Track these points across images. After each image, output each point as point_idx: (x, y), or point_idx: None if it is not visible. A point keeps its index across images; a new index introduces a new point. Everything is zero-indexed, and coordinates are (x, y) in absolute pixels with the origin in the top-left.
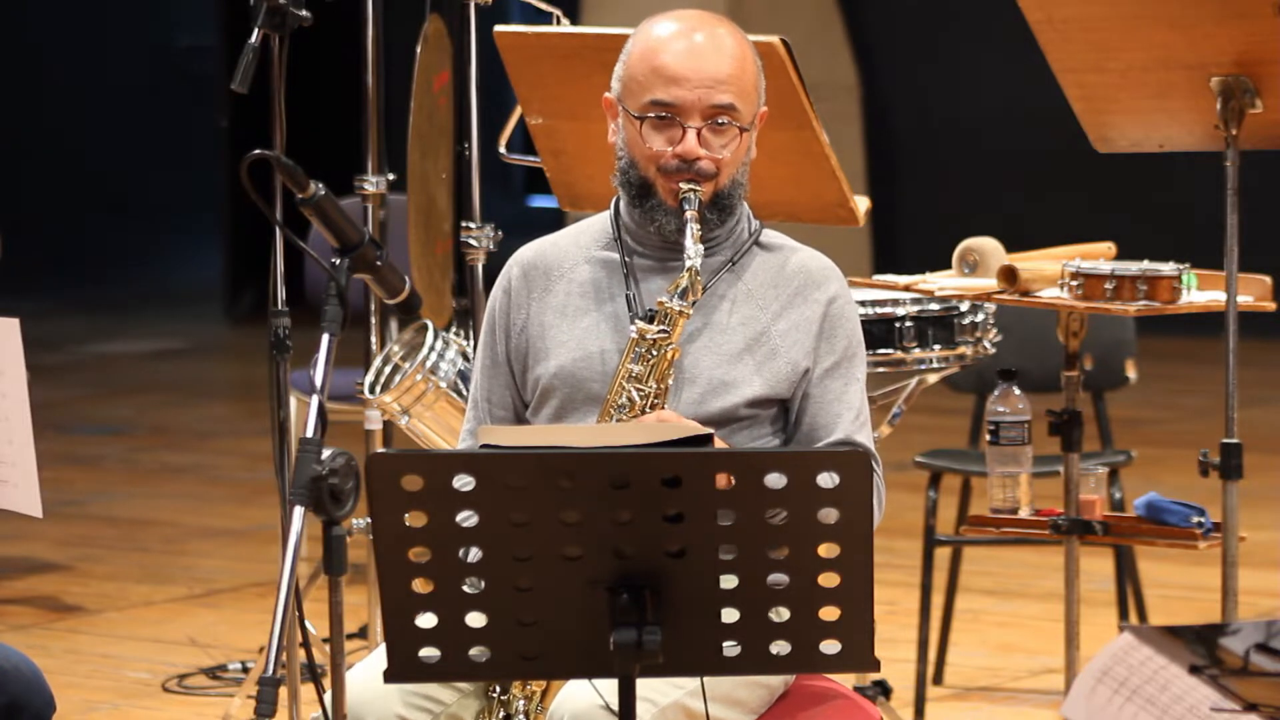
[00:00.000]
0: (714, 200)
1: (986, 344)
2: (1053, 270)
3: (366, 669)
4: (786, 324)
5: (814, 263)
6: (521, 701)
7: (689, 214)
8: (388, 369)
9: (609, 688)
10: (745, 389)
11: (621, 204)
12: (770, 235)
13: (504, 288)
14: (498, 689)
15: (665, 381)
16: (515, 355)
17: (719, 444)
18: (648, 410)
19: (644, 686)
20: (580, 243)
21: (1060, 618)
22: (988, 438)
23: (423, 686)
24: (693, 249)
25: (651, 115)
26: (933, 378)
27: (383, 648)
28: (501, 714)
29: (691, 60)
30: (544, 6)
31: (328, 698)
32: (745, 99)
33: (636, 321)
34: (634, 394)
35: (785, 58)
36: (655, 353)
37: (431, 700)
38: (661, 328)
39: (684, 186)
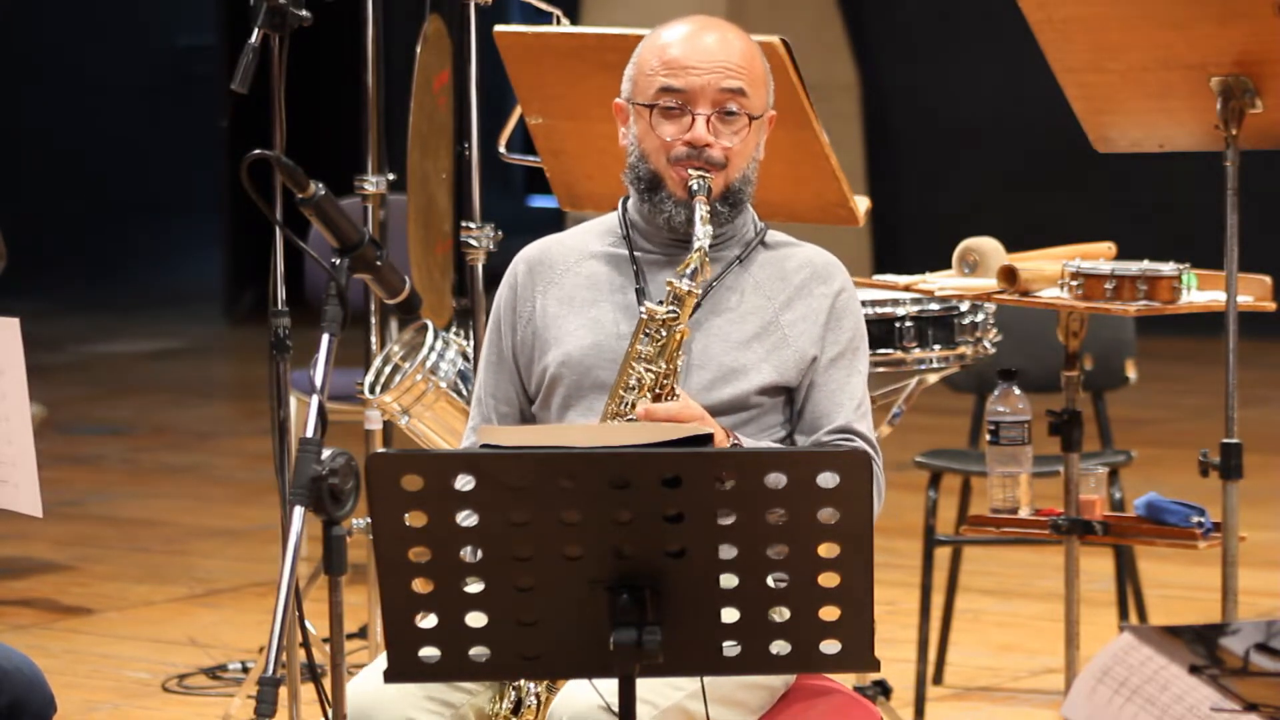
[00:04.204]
0: (724, 195)
1: (986, 344)
2: (1053, 270)
3: (374, 672)
4: (794, 315)
5: (819, 258)
6: (532, 685)
7: (698, 197)
8: (388, 369)
9: (609, 688)
10: (755, 376)
11: (630, 201)
12: (774, 235)
13: (510, 284)
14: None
15: (675, 361)
16: (521, 348)
17: (720, 442)
18: (658, 390)
19: (644, 688)
20: (586, 240)
21: (1060, 618)
22: (988, 438)
23: (433, 688)
24: (701, 230)
25: (661, 103)
26: (933, 378)
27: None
28: (513, 697)
29: (700, 51)
30: (544, 6)
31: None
32: (755, 87)
33: (646, 303)
34: (644, 374)
35: (785, 58)
36: (665, 333)
37: (443, 703)
38: (671, 308)
39: (693, 173)
